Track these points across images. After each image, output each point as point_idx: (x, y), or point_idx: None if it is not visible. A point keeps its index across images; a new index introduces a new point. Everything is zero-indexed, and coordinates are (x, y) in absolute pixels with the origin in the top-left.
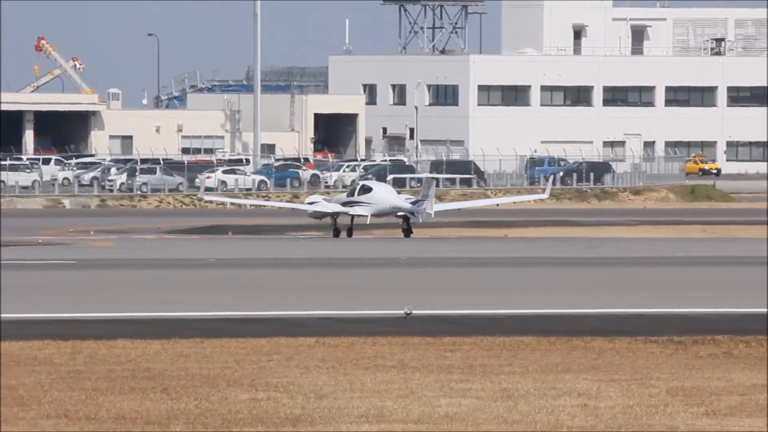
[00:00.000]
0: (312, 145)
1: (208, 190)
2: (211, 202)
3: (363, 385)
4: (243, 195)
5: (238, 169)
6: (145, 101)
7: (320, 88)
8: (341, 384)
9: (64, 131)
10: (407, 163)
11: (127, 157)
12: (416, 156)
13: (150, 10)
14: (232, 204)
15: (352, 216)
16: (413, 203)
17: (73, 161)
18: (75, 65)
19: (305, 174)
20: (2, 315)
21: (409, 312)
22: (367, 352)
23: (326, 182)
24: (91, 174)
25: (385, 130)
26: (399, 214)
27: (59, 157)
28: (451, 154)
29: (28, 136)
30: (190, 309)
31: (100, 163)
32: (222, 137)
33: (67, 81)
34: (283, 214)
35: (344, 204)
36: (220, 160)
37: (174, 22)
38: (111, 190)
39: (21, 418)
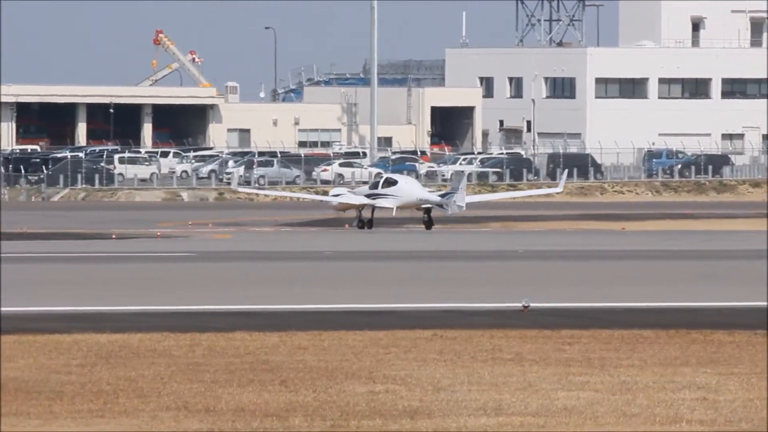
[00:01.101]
0: (429, 138)
1: (325, 182)
2: (242, 193)
3: (481, 377)
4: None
5: (355, 162)
6: (262, 94)
7: (437, 81)
8: (459, 377)
9: (182, 124)
10: (524, 156)
11: (245, 149)
12: (533, 149)
13: (267, 4)
14: (266, 196)
15: (374, 208)
16: (442, 196)
17: (191, 154)
18: (193, 59)
19: (422, 167)
20: (120, 308)
21: (527, 305)
22: (485, 345)
23: (443, 175)
24: (209, 167)
25: (501, 122)
26: (423, 206)
27: (177, 150)
28: (568, 147)
29: (147, 130)
30: (307, 301)
31: (217, 155)
32: (339, 130)
33: (185, 74)
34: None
35: (368, 196)
36: (337, 153)
37: (291, 16)
38: (228, 183)
39: (140, 409)
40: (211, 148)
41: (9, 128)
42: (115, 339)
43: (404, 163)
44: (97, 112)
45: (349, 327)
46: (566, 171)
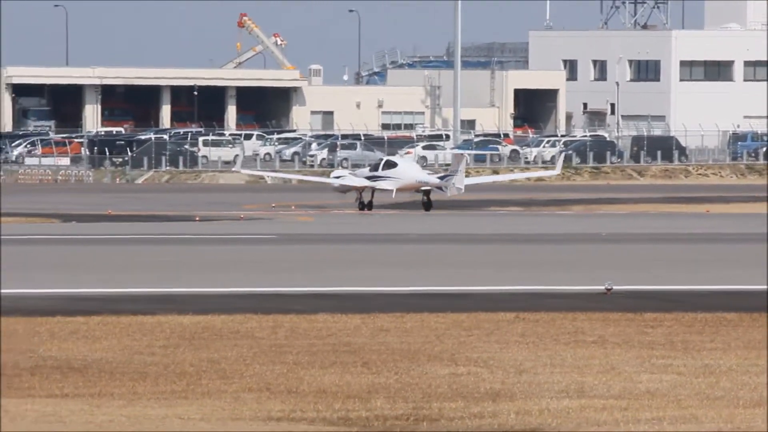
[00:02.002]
0: (512, 121)
1: None
2: (247, 175)
3: (563, 360)
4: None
5: (438, 145)
6: (345, 77)
7: (520, 64)
8: (541, 359)
9: (265, 107)
10: (608, 139)
11: (328, 132)
12: (617, 131)
13: None
14: (270, 178)
15: (373, 190)
16: (441, 178)
17: (275, 136)
18: (277, 41)
19: (505, 149)
20: (203, 289)
21: (609, 287)
22: (567, 328)
23: (526, 158)
24: (293, 149)
25: (585, 105)
26: (423, 188)
27: (261, 133)
28: (652, 129)
29: (231, 112)
30: (390, 284)
31: (301, 138)
32: (422, 113)
33: (269, 57)
34: (487, 189)
35: (369, 179)
36: (420, 135)
37: None
38: (312, 166)
39: (223, 391)
40: (294, 131)
41: (94, 111)
42: (198, 320)
43: (487, 145)
44: (181, 94)
45: (432, 309)
46: (563, 154)
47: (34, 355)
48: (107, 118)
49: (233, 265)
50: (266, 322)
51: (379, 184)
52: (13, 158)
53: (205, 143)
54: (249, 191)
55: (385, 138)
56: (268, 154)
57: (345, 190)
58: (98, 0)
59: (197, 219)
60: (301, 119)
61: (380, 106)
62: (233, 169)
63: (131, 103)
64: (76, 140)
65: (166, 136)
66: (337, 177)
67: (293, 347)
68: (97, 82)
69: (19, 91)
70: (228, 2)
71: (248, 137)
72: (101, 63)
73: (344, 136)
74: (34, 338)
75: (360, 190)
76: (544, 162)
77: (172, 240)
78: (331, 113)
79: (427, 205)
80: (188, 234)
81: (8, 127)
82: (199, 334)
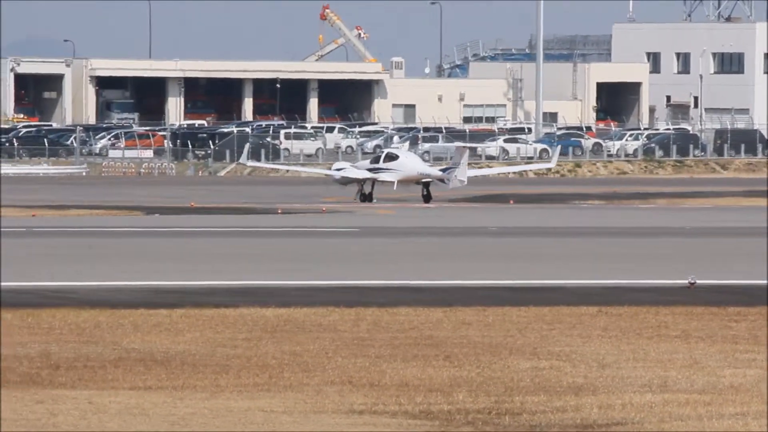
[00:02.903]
0: (594, 114)
1: (490, 158)
2: (252, 167)
3: (646, 354)
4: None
5: (520, 138)
6: (427, 70)
7: (603, 57)
8: (624, 353)
9: (347, 100)
10: (691, 132)
11: (410, 125)
12: (700, 124)
13: None
14: (274, 170)
15: (374, 182)
16: (443, 170)
17: (357, 129)
18: (359, 34)
19: (587, 142)
20: (286, 282)
21: (693, 281)
22: (650, 322)
23: (608, 151)
24: (374, 142)
25: (668, 98)
26: (424, 180)
27: (343, 126)
28: (735, 122)
29: (313, 105)
30: (472, 277)
31: (383, 131)
32: (504, 106)
33: (350, 50)
34: (567, 183)
35: (370, 170)
36: (502, 128)
37: None
38: None
39: (305, 384)
40: (376, 124)
41: (177, 103)
42: (280, 313)
43: (569, 138)
44: (263, 87)
45: (514, 303)
46: (559, 146)
47: (117, 347)
48: (190, 110)
49: (315, 258)
50: (348, 315)
51: (381, 176)
52: (97, 151)
53: (287, 136)
54: (331, 184)
55: (467, 131)
56: (350, 146)
57: (346, 182)
58: None
59: (279, 211)
60: (383, 112)
61: (462, 98)
62: (240, 161)
63: (214, 96)
64: (159, 133)
65: (248, 129)
66: (339, 169)
67: (375, 340)
68: (180, 74)
69: (103, 83)
70: None
71: (330, 130)
72: (184, 56)
73: (426, 129)
74: (118, 330)
75: (361, 182)
76: (627, 155)
77: (255, 232)
78: (412, 106)
79: (427, 198)
80: (270, 227)
81: (92, 119)
82: (282, 326)
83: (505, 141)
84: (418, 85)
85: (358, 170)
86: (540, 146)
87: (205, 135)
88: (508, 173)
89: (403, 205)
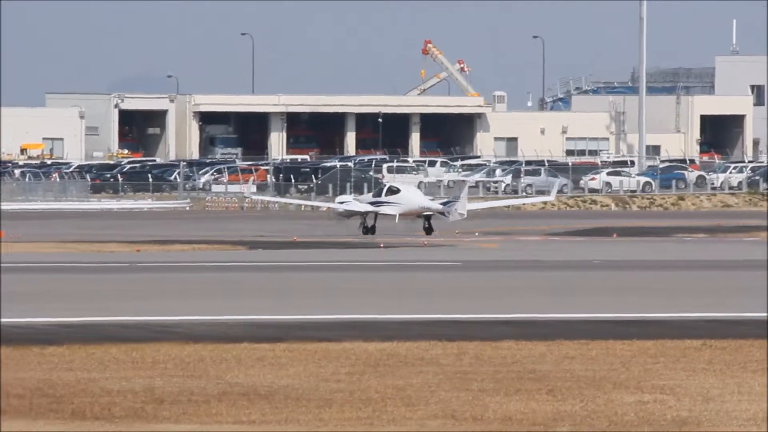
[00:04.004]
0: (698, 147)
1: (593, 191)
2: (256, 200)
3: (751, 388)
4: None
5: (623, 171)
6: (530, 103)
7: (706, 89)
8: (728, 387)
9: (449, 133)
10: None
11: (512, 158)
12: None
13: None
14: (276, 203)
15: (376, 215)
16: (444, 203)
17: (459, 163)
18: (461, 68)
19: (691, 175)
20: (389, 316)
21: None
22: (755, 355)
23: (712, 183)
24: (476, 176)
25: None
26: (425, 213)
27: (445, 159)
28: None
29: (415, 139)
30: (574, 310)
31: (485, 164)
32: (606, 139)
33: (452, 84)
34: (671, 216)
35: (372, 204)
36: (605, 161)
37: (559, 23)
38: (496, 192)
39: (408, 418)
40: (478, 157)
41: (280, 138)
42: (383, 347)
43: (673, 171)
44: (366, 121)
45: (617, 336)
46: (558, 181)
47: (221, 381)
48: (292, 145)
49: (417, 292)
50: (451, 348)
51: (383, 210)
52: (201, 185)
53: (390, 170)
54: (433, 218)
55: (570, 164)
56: (452, 180)
57: (349, 215)
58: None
59: (381, 246)
60: (485, 145)
61: (564, 131)
62: (245, 194)
63: (316, 131)
64: (261, 167)
65: (350, 163)
66: (342, 202)
67: (478, 374)
68: (283, 109)
69: (206, 119)
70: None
71: (432, 164)
72: (286, 91)
73: (528, 162)
74: (222, 364)
75: (364, 215)
76: (731, 188)
77: (357, 267)
78: (515, 139)
79: (428, 230)
80: (372, 261)
81: (195, 154)
82: (384, 360)
83: (609, 174)
84: (520, 119)
85: (360, 204)
86: (643, 179)
87: (307, 169)
88: (508, 206)
89: (507, 239)
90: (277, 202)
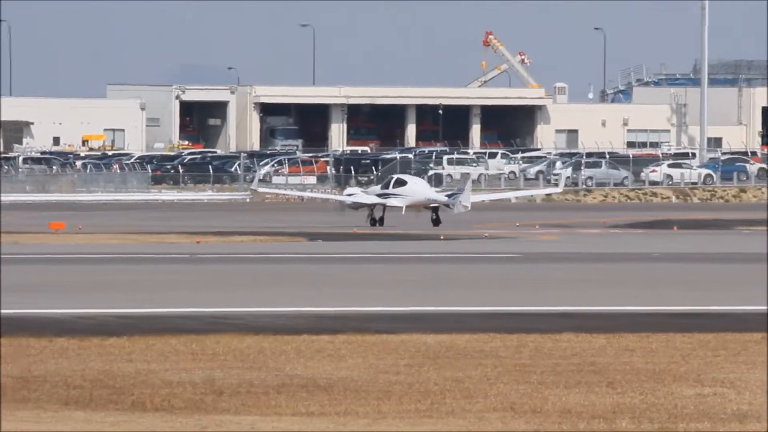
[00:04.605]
0: (760, 139)
1: (653, 183)
2: (263, 193)
3: None
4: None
5: (684, 163)
6: (591, 95)
7: None
8: None
9: (510, 125)
10: None
11: (573, 150)
12: None
13: (595, 2)
14: (285, 196)
15: (384, 207)
16: (449, 196)
17: (519, 155)
18: (522, 60)
19: (752, 167)
20: (448, 308)
21: None
22: None
23: None
24: (537, 168)
25: None
26: (431, 205)
27: (505, 151)
28: None
29: (475, 131)
30: (634, 303)
31: (545, 156)
32: (667, 131)
33: (513, 75)
34: (732, 208)
35: (380, 196)
36: (666, 153)
37: (621, 15)
38: (556, 184)
39: (467, 410)
40: (538, 149)
41: (340, 129)
42: (442, 339)
43: (734, 164)
44: (426, 113)
45: (677, 329)
46: (563, 171)
47: (280, 373)
48: (353, 137)
49: (477, 284)
50: (510, 341)
51: (390, 201)
52: (261, 177)
53: (450, 162)
54: (494, 210)
55: (630, 156)
56: (513, 172)
57: (357, 207)
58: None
59: (442, 238)
60: (546, 137)
61: (625, 124)
62: (251, 186)
63: (376, 122)
64: (322, 159)
65: (411, 155)
66: (350, 195)
67: (537, 367)
68: (343, 101)
69: (267, 110)
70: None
71: (492, 156)
72: (347, 82)
73: (589, 155)
74: (281, 356)
75: (371, 206)
76: None
77: (417, 259)
78: (575, 131)
79: (436, 222)
80: (432, 252)
81: (256, 146)
82: (443, 353)
83: (669, 166)
84: (581, 110)
85: (368, 195)
86: (704, 171)
87: (368, 161)
88: (512, 198)
89: (567, 231)
90: (284, 194)
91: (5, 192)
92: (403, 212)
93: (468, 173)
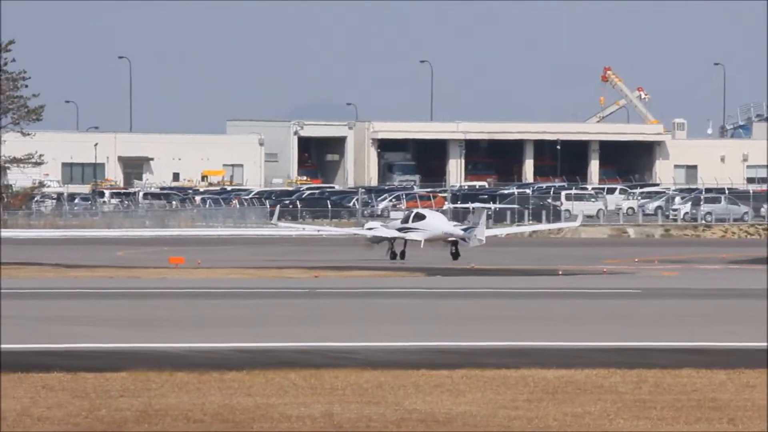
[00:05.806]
0: None
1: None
2: (283, 227)
3: None
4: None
5: None
6: (710, 131)
7: None
8: None
9: (628, 161)
10: None
11: (691, 186)
12: None
13: (715, 38)
14: (303, 231)
15: (406, 240)
16: (464, 230)
17: (638, 190)
18: (640, 95)
19: None
20: (567, 343)
21: None
22: None
23: None
24: (656, 203)
25: None
26: (449, 239)
27: (623, 187)
28: None
29: (593, 166)
30: (752, 339)
31: (664, 192)
32: None
33: (632, 111)
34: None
35: (399, 230)
36: None
37: (740, 51)
38: (675, 220)
39: None
40: (657, 185)
41: (458, 165)
42: (561, 374)
43: None
44: (544, 148)
45: None
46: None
47: (399, 407)
48: (470, 172)
49: (595, 319)
50: (630, 376)
51: (409, 235)
52: (379, 212)
53: (568, 197)
54: (611, 245)
55: (751, 192)
56: (631, 208)
57: (378, 240)
58: (463, 55)
59: (560, 273)
60: (665, 173)
61: (745, 159)
62: (272, 221)
63: (494, 158)
64: (440, 194)
65: (528, 190)
66: (370, 228)
67: (657, 402)
68: (461, 136)
69: (385, 146)
70: (591, 57)
71: (611, 191)
72: (465, 118)
73: (708, 190)
74: (400, 391)
75: (391, 240)
76: None
77: (534, 294)
78: (694, 167)
79: (455, 255)
80: (550, 288)
81: (374, 181)
82: (563, 388)
83: None
84: (700, 146)
85: (388, 229)
86: None
87: (485, 196)
88: (528, 232)
89: (687, 267)
90: (308, 229)
91: (125, 227)
92: (421, 246)
93: (482, 207)
